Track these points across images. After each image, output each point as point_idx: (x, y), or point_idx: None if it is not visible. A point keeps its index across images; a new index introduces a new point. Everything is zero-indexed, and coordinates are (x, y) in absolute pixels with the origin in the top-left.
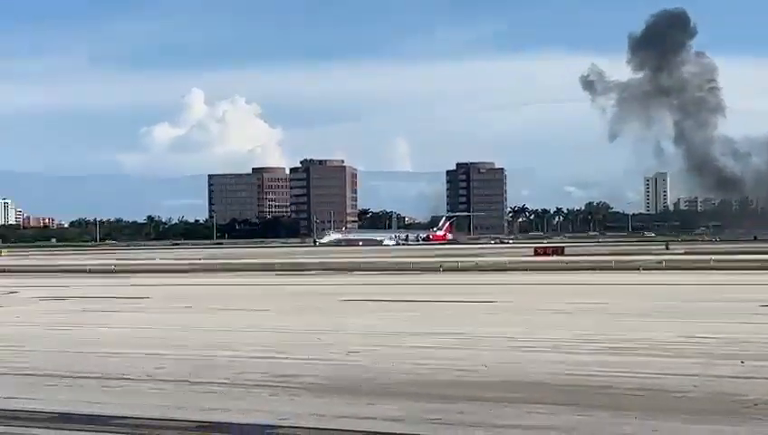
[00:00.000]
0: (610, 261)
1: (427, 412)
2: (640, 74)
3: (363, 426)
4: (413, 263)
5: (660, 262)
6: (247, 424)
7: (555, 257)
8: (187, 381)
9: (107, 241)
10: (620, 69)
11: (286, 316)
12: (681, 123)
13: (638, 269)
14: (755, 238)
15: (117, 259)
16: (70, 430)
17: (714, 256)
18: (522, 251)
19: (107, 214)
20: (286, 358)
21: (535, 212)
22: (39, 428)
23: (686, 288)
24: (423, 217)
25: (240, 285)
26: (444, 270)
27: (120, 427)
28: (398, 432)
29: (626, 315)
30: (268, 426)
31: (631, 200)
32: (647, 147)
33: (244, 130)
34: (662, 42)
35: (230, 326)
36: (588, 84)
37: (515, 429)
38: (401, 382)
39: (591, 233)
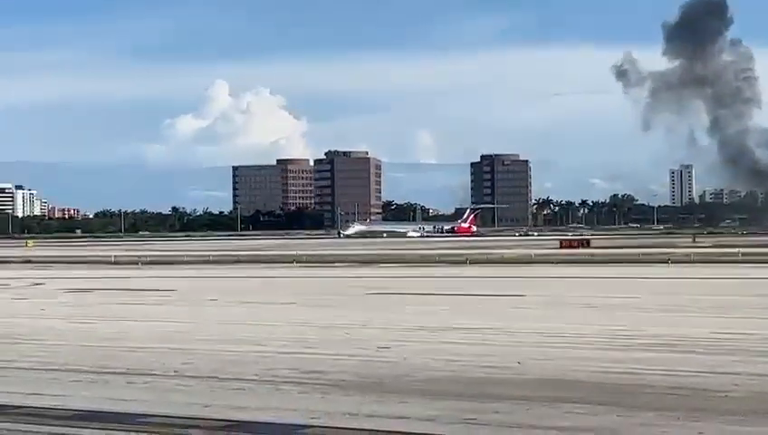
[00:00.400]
0: (638, 254)
1: (461, 412)
2: (675, 63)
3: (396, 426)
4: (438, 255)
5: (688, 255)
6: (277, 423)
7: (581, 250)
8: (215, 377)
9: (139, 232)
10: (653, 59)
11: (313, 310)
12: (716, 113)
13: (667, 262)
14: None
15: (142, 251)
16: (94, 428)
17: (741, 249)
18: (547, 244)
19: (131, 205)
20: (315, 353)
21: (560, 204)
22: (63, 425)
23: (717, 282)
24: (447, 210)
25: (265, 277)
26: (470, 263)
27: (145, 425)
28: (432, 433)
29: (659, 311)
30: (299, 426)
31: (657, 193)
32: (679, 137)
33: (268, 122)
34: (698, 30)
35: (257, 320)
36: (621, 74)
37: (555, 431)
38: (433, 379)
39: (621, 225)
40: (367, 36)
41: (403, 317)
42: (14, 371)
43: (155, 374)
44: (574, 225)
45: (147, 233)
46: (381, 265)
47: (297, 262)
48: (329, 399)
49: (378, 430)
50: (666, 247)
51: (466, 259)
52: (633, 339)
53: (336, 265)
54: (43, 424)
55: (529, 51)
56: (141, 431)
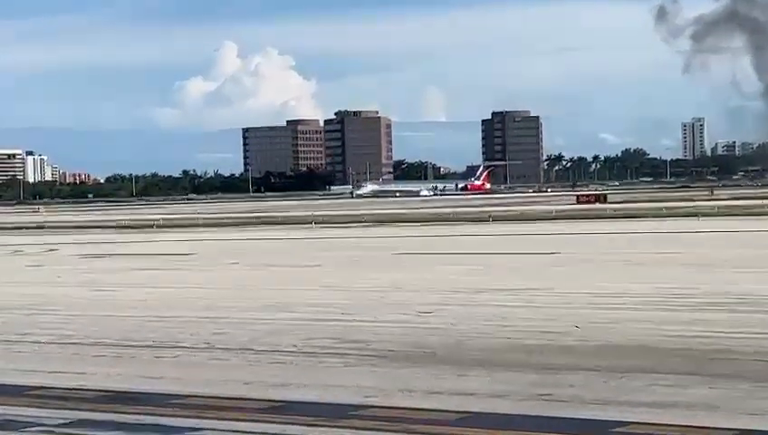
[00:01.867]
0: (660, 208)
1: (532, 386)
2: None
3: (466, 405)
4: (456, 213)
5: (713, 208)
6: (328, 404)
7: (599, 205)
8: (251, 349)
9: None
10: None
11: (340, 272)
12: (761, 56)
13: (697, 216)
14: None
15: (155, 214)
16: (123, 412)
17: (764, 201)
18: (563, 199)
19: (142, 169)
20: (352, 320)
21: (572, 160)
22: (88, 410)
23: (752, 235)
24: (459, 168)
25: (284, 238)
26: (493, 220)
27: (180, 408)
28: (510, 413)
29: (703, 266)
30: (353, 406)
31: (669, 146)
32: (721, 82)
33: (277, 83)
34: None
35: (283, 284)
36: (661, 14)
37: (645, 407)
38: (489, 348)
39: (633, 180)
40: None
41: (436, 278)
42: (31, 345)
43: (184, 347)
44: (585, 182)
45: (159, 196)
46: (401, 224)
47: (315, 223)
48: (379, 373)
49: (445, 410)
50: (684, 201)
51: (489, 216)
52: (691, 298)
53: (354, 225)
54: (66, 408)
55: (541, 6)
56: (177, 415)
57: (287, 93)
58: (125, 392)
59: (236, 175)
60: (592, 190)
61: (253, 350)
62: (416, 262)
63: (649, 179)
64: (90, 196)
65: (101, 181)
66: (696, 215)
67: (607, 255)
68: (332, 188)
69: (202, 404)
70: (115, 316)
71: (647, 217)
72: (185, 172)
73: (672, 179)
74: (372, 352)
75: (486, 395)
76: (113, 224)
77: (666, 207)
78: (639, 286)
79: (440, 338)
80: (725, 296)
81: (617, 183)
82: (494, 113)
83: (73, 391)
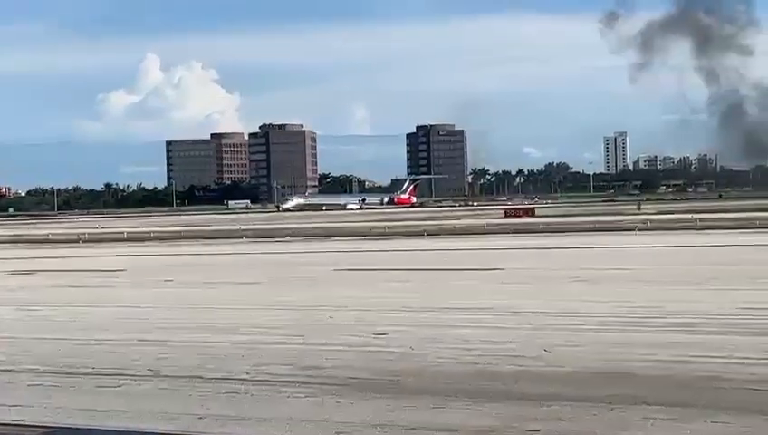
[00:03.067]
0: (593, 222)
1: (518, 420)
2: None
3: None
4: (388, 227)
5: (645, 222)
6: None
7: (528, 219)
8: (200, 376)
9: (75, 210)
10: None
11: (281, 290)
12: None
13: (634, 230)
14: (720, 196)
15: (80, 228)
16: None
17: (694, 215)
18: (491, 213)
19: (64, 182)
20: (303, 343)
21: (496, 174)
22: None
23: (696, 250)
24: (383, 181)
25: (216, 254)
26: (428, 235)
27: None
28: None
29: (660, 283)
30: None
31: (592, 160)
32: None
33: (201, 96)
34: None
35: (223, 302)
36: (611, 19)
37: None
38: (458, 375)
39: (553, 194)
40: (299, 8)
41: (383, 296)
42: None
43: (128, 374)
44: (510, 195)
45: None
46: (334, 238)
47: (246, 237)
48: (346, 405)
49: None
50: (614, 215)
51: (424, 231)
52: (657, 318)
53: (286, 239)
54: None
55: (466, 21)
56: None
57: (211, 107)
58: (69, 428)
59: (160, 188)
60: (519, 205)
61: (201, 377)
62: (358, 278)
63: (570, 194)
64: (10, 210)
65: (22, 195)
66: (631, 229)
67: (552, 271)
68: (230, 203)
69: None
70: (48, 339)
71: (580, 231)
72: (107, 186)
73: (594, 193)
74: (333, 381)
75: (471, 431)
76: (36, 238)
77: (597, 222)
78: (597, 305)
79: (403, 364)
80: (692, 316)
81: (535, 197)
82: (418, 127)
83: (11, 428)
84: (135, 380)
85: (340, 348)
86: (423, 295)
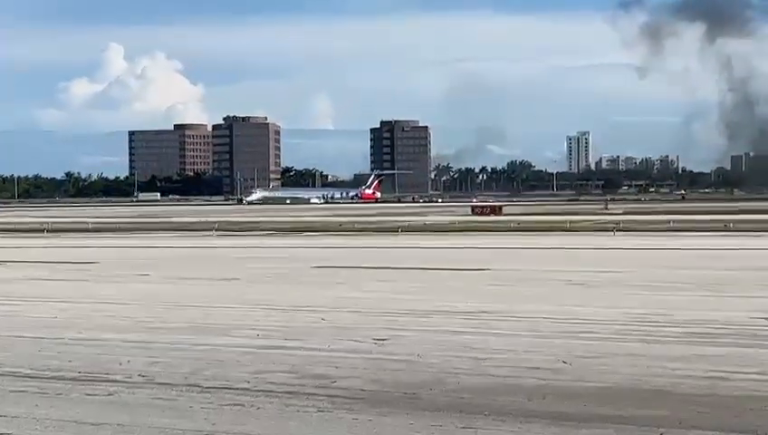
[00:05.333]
0: (564, 222)
1: None
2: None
3: None
4: (358, 223)
5: (617, 223)
6: None
7: (496, 217)
8: (197, 385)
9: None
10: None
11: (262, 287)
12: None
13: (612, 231)
14: (683, 198)
15: (42, 217)
16: None
17: (668, 216)
18: (457, 210)
19: (24, 171)
20: (302, 348)
21: (459, 171)
22: None
23: (682, 254)
24: (346, 176)
25: (189, 247)
26: (402, 231)
27: None
28: None
29: (658, 288)
30: None
31: (555, 159)
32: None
33: (164, 87)
34: None
35: (206, 300)
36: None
37: None
38: (477, 390)
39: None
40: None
41: (373, 297)
42: None
43: (117, 381)
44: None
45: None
46: (305, 233)
47: (217, 230)
48: (364, 423)
49: None
50: (582, 214)
51: (399, 228)
52: (670, 327)
53: (255, 233)
54: None
55: (429, 17)
56: None
57: (174, 97)
58: None
59: (122, 178)
60: (486, 202)
61: (199, 386)
62: (340, 277)
63: (536, 192)
64: None
65: None
66: (608, 230)
67: (542, 272)
68: (140, 195)
69: None
70: (26, 338)
71: (552, 230)
72: (68, 175)
73: (556, 192)
74: (343, 393)
75: None
76: (0, 227)
77: (570, 221)
78: (603, 311)
79: (413, 374)
80: (709, 326)
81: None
82: (382, 122)
83: None
84: (127, 387)
85: (343, 356)
86: (415, 297)
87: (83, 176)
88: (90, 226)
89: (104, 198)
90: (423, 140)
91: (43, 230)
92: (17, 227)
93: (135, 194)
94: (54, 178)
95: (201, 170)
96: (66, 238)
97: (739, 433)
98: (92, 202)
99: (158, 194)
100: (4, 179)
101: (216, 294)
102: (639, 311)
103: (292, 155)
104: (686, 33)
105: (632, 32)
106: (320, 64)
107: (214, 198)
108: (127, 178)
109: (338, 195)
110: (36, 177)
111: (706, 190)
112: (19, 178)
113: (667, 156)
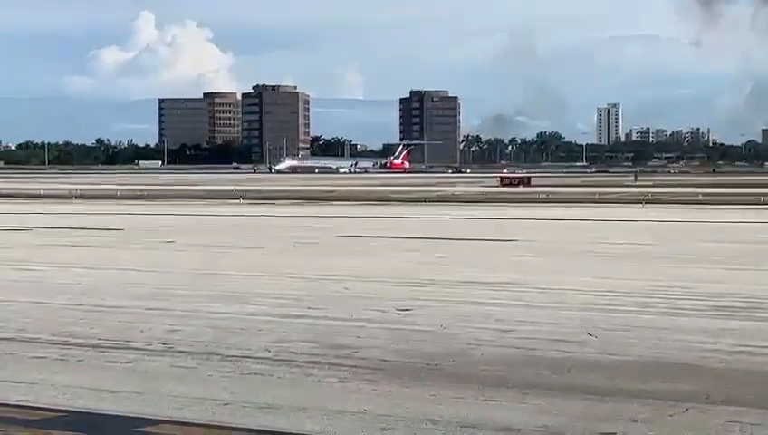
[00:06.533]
0: (593, 193)
1: (586, 420)
2: None
3: None
4: (386, 192)
5: (647, 194)
6: None
7: (525, 188)
8: (217, 353)
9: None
10: None
11: (286, 256)
12: None
13: (642, 203)
14: (713, 171)
15: (71, 184)
16: None
17: (696, 189)
18: (485, 181)
19: (54, 137)
20: (324, 317)
21: (488, 141)
22: None
23: (710, 226)
24: (375, 146)
25: (214, 215)
26: (429, 201)
27: None
28: None
29: (685, 261)
30: None
31: (585, 131)
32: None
33: (194, 55)
34: None
35: (229, 268)
36: None
37: None
38: (500, 362)
39: (543, 163)
40: None
41: (397, 267)
42: None
43: (138, 348)
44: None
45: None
46: (332, 203)
47: (243, 198)
48: (384, 393)
49: None
50: (611, 186)
51: (426, 198)
52: (696, 299)
53: (284, 202)
54: None
55: None
56: None
57: (204, 66)
58: (79, 413)
59: (151, 146)
60: (514, 173)
61: (219, 355)
62: (365, 246)
63: (563, 163)
64: (0, 163)
65: (13, 148)
66: (638, 202)
67: (570, 244)
68: (141, 162)
69: (169, 433)
70: (48, 304)
71: (581, 202)
72: (99, 141)
73: (586, 164)
74: (364, 363)
75: (537, 433)
76: (27, 193)
77: (599, 193)
78: (628, 283)
79: (436, 345)
80: (734, 299)
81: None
82: (412, 92)
83: (16, 410)
84: (146, 355)
85: (366, 325)
86: (440, 267)
87: (114, 143)
88: (118, 193)
89: (102, 166)
90: (452, 110)
91: (70, 197)
92: (45, 193)
93: (135, 162)
94: (84, 145)
95: (230, 139)
96: (93, 205)
97: (766, 409)
98: (122, 169)
99: (159, 162)
100: (35, 146)
101: (239, 262)
102: (666, 283)
103: (322, 124)
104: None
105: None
106: (351, 34)
107: (243, 166)
108: (156, 145)
109: (367, 164)
110: (66, 143)
111: (738, 163)
112: (49, 144)
113: (698, 128)
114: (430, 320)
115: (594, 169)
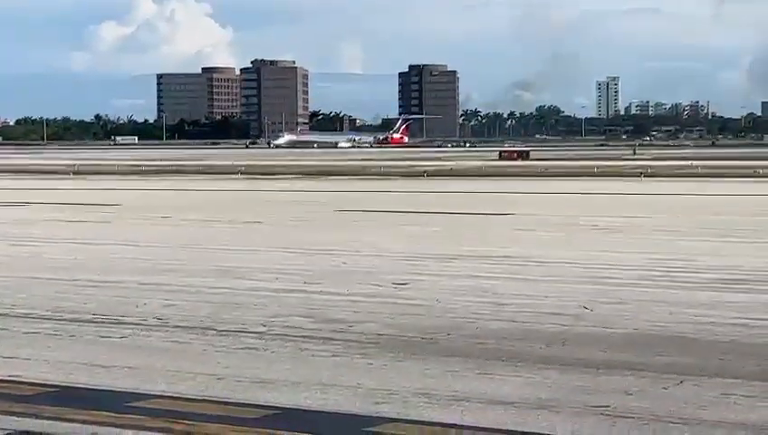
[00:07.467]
0: (592, 167)
1: (579, 392)
2: None
3: (508, 419)
4: (385, 166)
5: (645, 168)
6: (332, 413)
7: (524, 162)
8: (212, 328)
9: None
10: None
11: (283, 230)
12: None
13: (640, 176)
14: (713, 143)
15: (70, 159)
16: (73, 419)
17: (694, 162)
18: (485, 155)
19: (53, 113)
20: (320, 292)
21: (487, 115)
22: (32, 415)
23: (708, 199)
24: (374, 120)
25: (213, 190)
26: (428, 175)
27: (146, 416)
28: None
29: (682, 234)
30: (364, 417)
31: (584, 104)
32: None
33: (193, 30)
34: None
35: (226, 243)
36: None
37: (747, 430)
38: (495, 335)
39: (543, 136)
40: None
41: (395, 241)
42: None
43: (132, 323)
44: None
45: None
46: (330, 177)
47: (242, 173)
48: (378, 367)
49: (489, 429)
50: (610, 160)
51: (425, 172)
52: (694, 273)
53: (283, 176)
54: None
55: None
56: (144, 427)
57: (203, 41)
58: (71, 388)
59: (150, 121)
60: (514, 147)
61: (214, 329)
62: (363, 221)
63: (559, 138)
64: None
65: (11, 124)
66: (636, 175)
67: (566, 217)
68: (118, 138)
69: (172, 410)
70: (43, 279)
71: (580, 175)
72: (97, 117)
73: (586, 137)
74: (359, 338)
75: (530, 406)
76: (26, 168)
77: (598, 167)
78: (626, 257)
79: (432, 319)
80: (732, 271)
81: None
82: (411, 66)
83: (7, 385)
84: (141, 329)
85: (361, 300)
86: (437, 241)
87: (112, 118)
88: (117, 168)
89: (79, 141)
90: (451, 84)
91: (69, 172)
92: (44, 168)
93: (112, 138)
94: (83, 121)
95: (229, 114)
96: (91, 181)
97: (762, 381)
98: (123, 144)
99: (136, 138)
100: (34, 122)
101: (236, 237)
102: (663, 257)
103: (321, 99)
104: None
105: None
106: (348, 9)
107: (242, 141)
108: (155, 121)
109: (366, 139)
110: (65, 119)
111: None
112: (48, 120)
113: (698, 101)
114: (426, 294)
115: (595, 143)
